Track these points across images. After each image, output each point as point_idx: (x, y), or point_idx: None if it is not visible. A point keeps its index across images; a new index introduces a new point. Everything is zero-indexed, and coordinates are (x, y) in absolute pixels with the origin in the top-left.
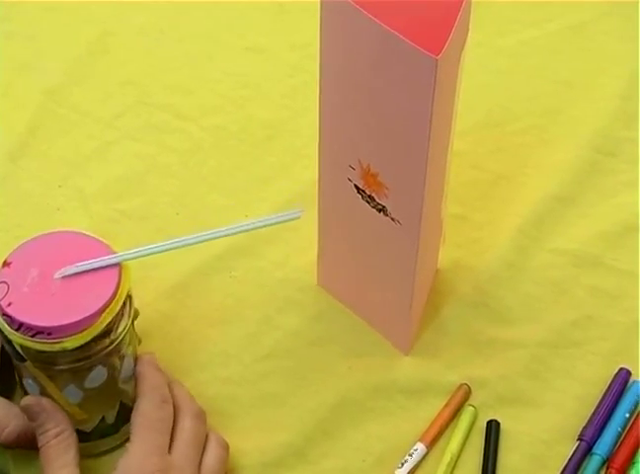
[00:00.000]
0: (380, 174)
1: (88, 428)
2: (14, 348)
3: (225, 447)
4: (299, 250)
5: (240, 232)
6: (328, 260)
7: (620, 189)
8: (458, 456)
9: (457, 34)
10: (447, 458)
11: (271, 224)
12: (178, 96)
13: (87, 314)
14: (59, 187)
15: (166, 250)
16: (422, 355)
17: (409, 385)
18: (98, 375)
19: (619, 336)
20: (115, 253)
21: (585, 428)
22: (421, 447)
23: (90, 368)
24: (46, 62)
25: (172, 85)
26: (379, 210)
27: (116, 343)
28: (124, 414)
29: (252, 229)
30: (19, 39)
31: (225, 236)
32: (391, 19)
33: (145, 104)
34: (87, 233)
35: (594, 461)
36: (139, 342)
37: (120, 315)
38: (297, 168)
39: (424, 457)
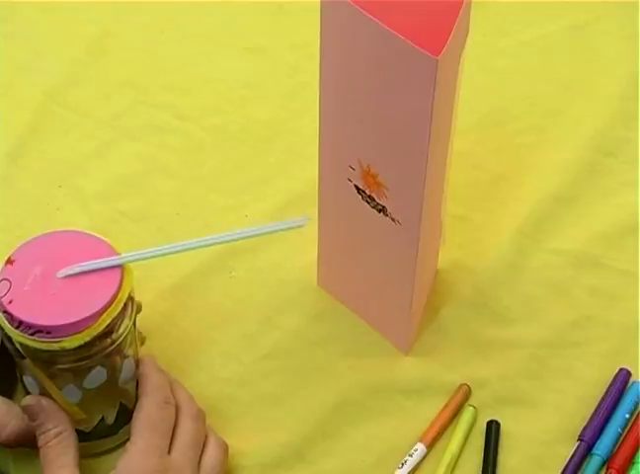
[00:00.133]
0: (380, 174)
1: (87, 428)
2: (14, 345)
3: (225, 448)
4: (299, 250)
5: (244, 238)
6: (328, 260)
7: (620, 189)
8: (458, 456)
9: (457, 34)
10: (447, 458)
11: (275, 231)
12: (178, 96)
13: (87, 314)
14: (59, 187)
15: (169, 253)
16: (422, 356)
17: (409, 385)
18: (98, 376)
19: (619, 336)
20: (118, 253)
21: (585, 428)
22: (421, 448)
23: (90, 368)
24: (46, 62)
25: (172, 85)
26: (379, 211)
27: (116, 344)
28: (124, 415)
29: (256, 236)
30: (19, 39)
31: (229, 241)
32: (391, 19)
33: (145, 104)
34: (92, 233)
35: (593, 462)
36: (144, 340)
37: (120, 316)
38: (297, 168)
39: (424, 457)
